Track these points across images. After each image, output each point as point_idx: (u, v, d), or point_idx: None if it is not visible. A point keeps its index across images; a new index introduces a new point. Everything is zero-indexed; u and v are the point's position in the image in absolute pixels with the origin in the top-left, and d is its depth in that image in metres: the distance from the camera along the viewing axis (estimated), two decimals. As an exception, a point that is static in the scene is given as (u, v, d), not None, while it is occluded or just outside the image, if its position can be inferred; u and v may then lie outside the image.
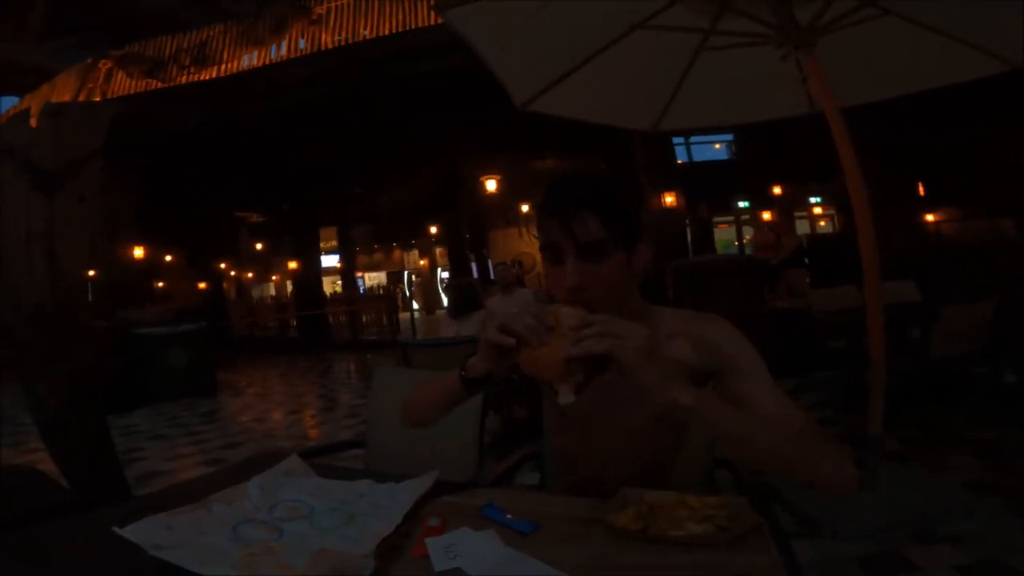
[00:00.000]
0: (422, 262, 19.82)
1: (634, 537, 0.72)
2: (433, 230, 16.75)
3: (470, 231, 12.91)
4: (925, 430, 3.11)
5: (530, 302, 1.41)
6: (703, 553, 0.69)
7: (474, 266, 12.61)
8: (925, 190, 9.70)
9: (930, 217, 9.93)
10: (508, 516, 0.82)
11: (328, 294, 13.77)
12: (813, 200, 13.62)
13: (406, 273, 20.74)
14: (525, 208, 13.09)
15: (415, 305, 15.92)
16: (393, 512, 0.83)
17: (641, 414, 0.93)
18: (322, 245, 14.10)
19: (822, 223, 14.62)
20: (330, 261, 16.45)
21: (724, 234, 14.99)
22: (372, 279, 20.72)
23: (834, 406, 3.90)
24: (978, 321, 3.23)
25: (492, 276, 12.10)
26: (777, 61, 1.98)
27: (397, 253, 20.72)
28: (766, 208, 12.25)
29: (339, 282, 15.86)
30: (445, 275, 17.48)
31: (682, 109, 2.51)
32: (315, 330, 12.03)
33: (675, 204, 7.84)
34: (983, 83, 2.29)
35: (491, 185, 10.53)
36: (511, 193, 11.57)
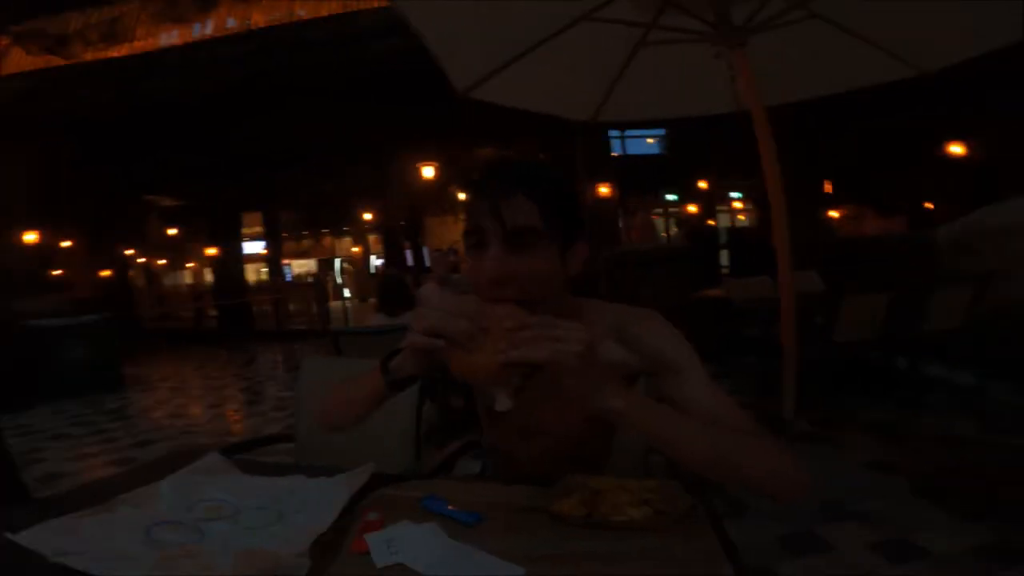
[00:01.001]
0: (355, 249, 19.22)
1: (578, 524, 0.72)
2: (367, 217, 16.25)
3: (405, 218, 12.63)
4: (829, 413, 3.36)
5: (450, 296, 1.30)
6: (645, 537, 0.70)
7: (408, 254, 12.37)
8: (830, 188, 10.55)
9: (833, 213, 10.85)
10: (450, 507, 0.79)
11: (251, 282, 13.05)
12: (734, 195, 14.50)
13: (337, 261, 20.04)
14: (462, 196, 12.97)
15: (347, 293, 15.45)
16: (327, 508, 0.78)
17: (577, 415, 0.90)
18: (245, 231, 13.31)
19: (741, 217, 15.61)
20: (254, 247, 15.60)
21: (653, 225, 15.75)
22: (300, 267, 19.90)
23: (750, 391, 4.15)
24: (875, 311, 3.54)
25: (427, 264, 11.93)
26: (710, 59, 2.06)
27: (328, 240, 19.96)
28: (693, 201, 12.89)
29: (264, 269, 15.09)
30: (379, 262, 17.07)
31: (620, 102, 2.56)
32: (236, 320, 11.41)
33: (609, 195, 8.07)
34: (888, 88, 2.49)
35: (428, 172, 10.32)
36: (448, 180, 11.43)
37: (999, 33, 1.99)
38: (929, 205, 13.06)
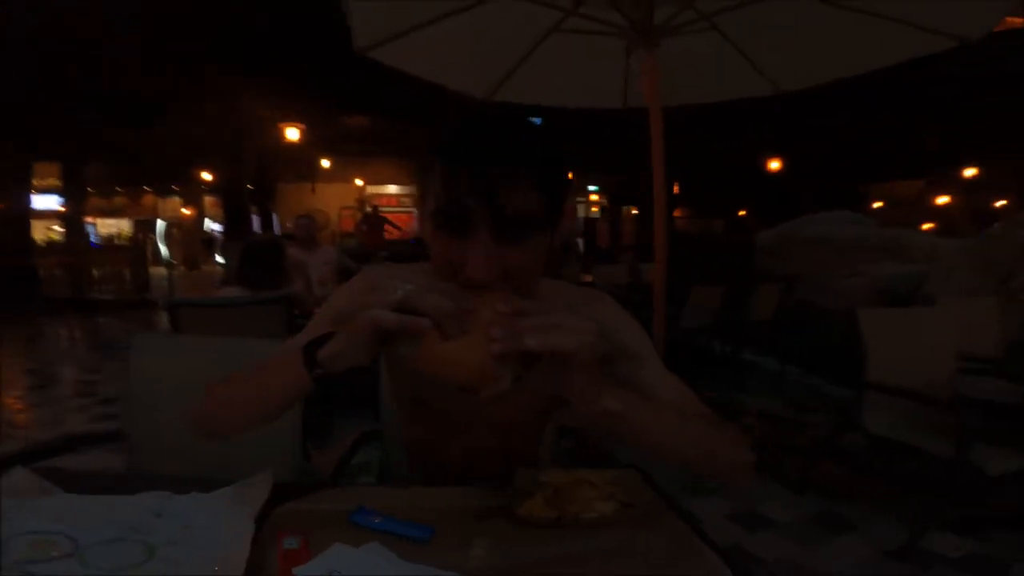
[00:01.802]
0: (185, 211, 16.77)
1: (549, 526, 0.65)
2: (206, 176, 14.25)
3: (255, 182, 11.27)
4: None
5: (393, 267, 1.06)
6: (612, 532, 0.65)
7: (256, 220, 11.12)
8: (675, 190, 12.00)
9: (676, 212, 12.43)
10: (378, 520, 0.66)
11: (40, 241, 10.69)
12: (591, 188, 15.74)
13: (160, 222, 17.35)
14: (326, 163, 11.96)
15: (172, 259, 13.48)
16: (224, 536, 0.60)
17: (515, 408, 0.83)
18: (37, 182, 10.83)
19: (594, 209, 17.06)
20: (46, 202, 12.85)
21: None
22: (108, 227, 16.97)
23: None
24: (709, 302, 4.05)
25: (277, 232, 10.91)
26: (610, 53, 2.11)
27: (149, 199, 17.16)
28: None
29: (58, 228, 12.53)
30: (215, 227, 15.13)
31: (520, 84, 2.52)
32: (18, 286, 9.23)
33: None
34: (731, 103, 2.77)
35: (292, 134, 9.29)
36: (311, 145, 10.43)
37: (851, 63, 2.34)
38: (743, 212, 15.58)
